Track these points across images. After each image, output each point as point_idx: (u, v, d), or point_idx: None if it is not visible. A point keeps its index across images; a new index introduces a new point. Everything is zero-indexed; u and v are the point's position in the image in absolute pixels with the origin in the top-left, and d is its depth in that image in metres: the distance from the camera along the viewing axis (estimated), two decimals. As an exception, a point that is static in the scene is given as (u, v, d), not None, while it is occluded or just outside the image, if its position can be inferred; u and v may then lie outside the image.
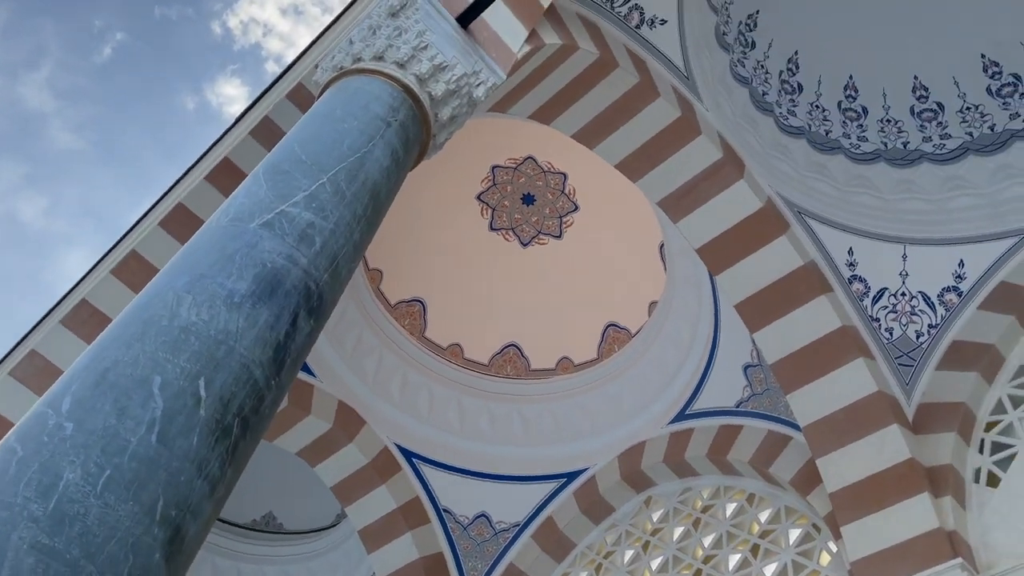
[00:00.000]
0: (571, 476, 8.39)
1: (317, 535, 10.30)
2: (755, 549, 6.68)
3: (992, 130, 6.81)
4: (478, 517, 8.47)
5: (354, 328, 8.68)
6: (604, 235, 9.29)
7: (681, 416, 7.95)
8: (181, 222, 5.82)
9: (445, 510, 8.43)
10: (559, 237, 9.59)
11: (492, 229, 9.51)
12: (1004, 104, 6.82)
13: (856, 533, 5.78)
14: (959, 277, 6.50)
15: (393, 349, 8.92)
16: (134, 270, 6.01)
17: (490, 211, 9.42)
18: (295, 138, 3.32)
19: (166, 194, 6.03)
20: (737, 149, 6.69)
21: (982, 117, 6.86)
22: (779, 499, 6.90)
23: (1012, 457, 5.82)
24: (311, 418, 8.18)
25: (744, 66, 6.98)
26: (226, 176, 5.71)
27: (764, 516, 6.90)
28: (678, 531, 7.41)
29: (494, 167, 9.15)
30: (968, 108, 6.92)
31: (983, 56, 6.88)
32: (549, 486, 8.42)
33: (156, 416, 2.22)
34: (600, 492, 8.10)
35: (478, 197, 9.32)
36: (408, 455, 8.58)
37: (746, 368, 7.28)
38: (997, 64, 6.84)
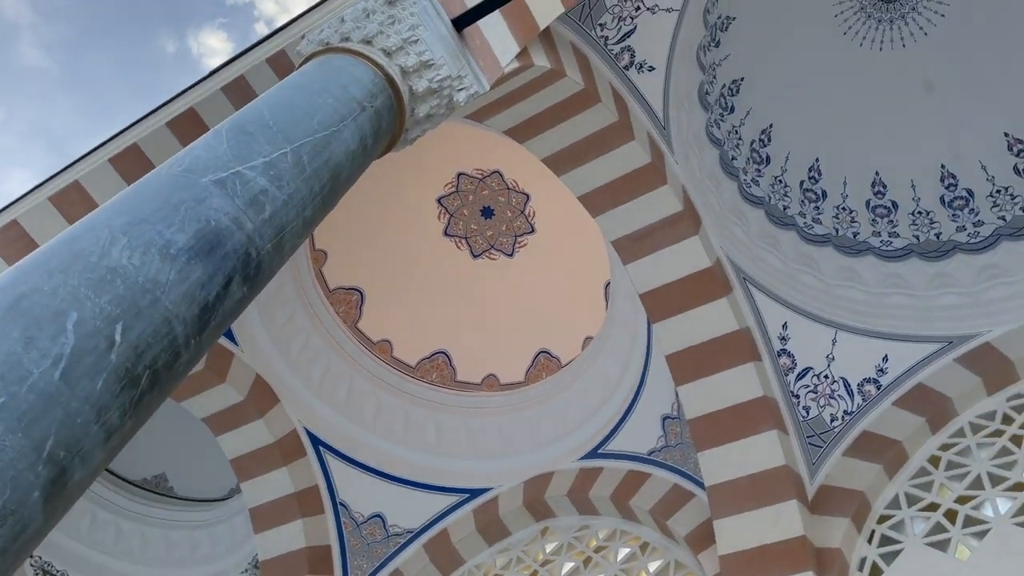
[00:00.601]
0: (474, 493, 8.36)
1: (206, 506, 10.04)
2: (639, 598, 6.75)
3: (937, 238, 7.09)
4: (373, 517, 8.36)
5: (287, 305, 8.54)
6: (554, 263, 9.35)
7: (593, 454, 8.00)
8: (132, 162, 5.66)
9: (342, 504, 8.31)
10: (510, 255, 9.61)
11: (446, 234, 9.48)
12: (953, 216, 7.10)
13: (737, 602, 5.89)
14: (881, 371, 6.72)
15: (322, 333, 8.80)
16: (73, 201, 5.81)
17: (448, 216, 9.40)
18: (266, 103, 3.26)
19: (123, 131, 5.84)
20: (697, 205, 6.82)
21: (931, 224, 7.13)
22: (671, 552, 6.99)
23: (898, 553, 6.00)
24: (224, 386, 7.99)
25: (719, 128, 7.14)
26: (188, 126, 5.57)
27: (653, 566, 6.98)
28: (568, 566, 7.43)
29: (460, 174, 9.15)
30: (920, 212, 7.19)
31: (943, 167, 7.17)
32: (450, 499, 8.37)
33: (65, 352, 2.14)
34: (500, 514, 8.08)
35: (439, 200, 9.30)
36: (316, 442, 8.44)
37: (664, 419, 7.38)
38: (954, 177, 7.13)
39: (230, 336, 8.15)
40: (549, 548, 7.75)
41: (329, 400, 8.63)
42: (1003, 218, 6.88)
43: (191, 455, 9.99)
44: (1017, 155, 6.90)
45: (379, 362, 8.93)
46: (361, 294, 9.12)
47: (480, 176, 9.20)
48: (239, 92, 5.42)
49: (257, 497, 8.22)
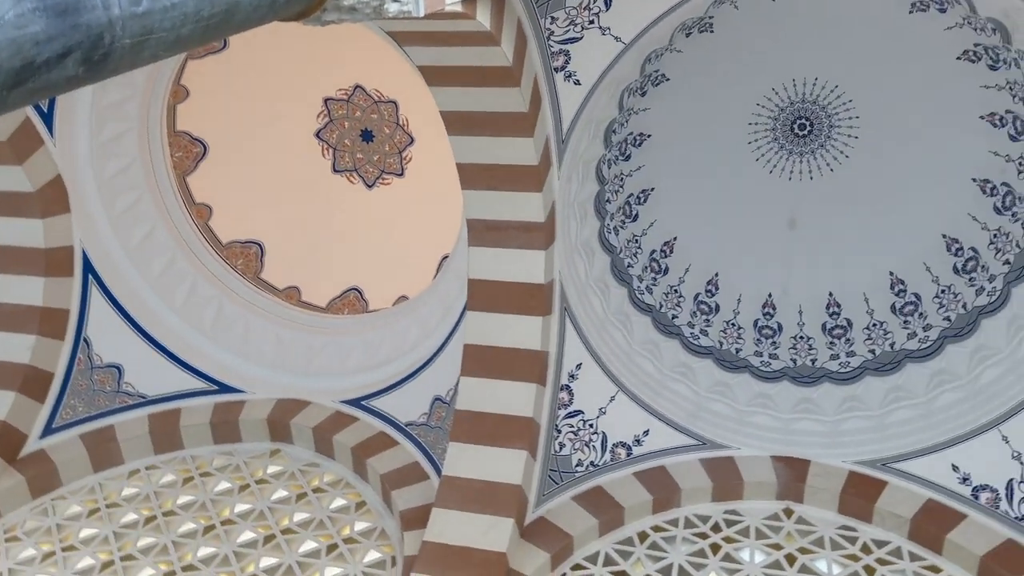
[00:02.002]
0: (225, 388, 8.08)
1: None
2: (333, 548, 6.76)
3: (736, 352, 7.63)
4: (112, 366, 7.87)
5: (125, 122, 7.89)
6: (406, 214, 9.26)
7: (356, 403, 7.96)
8: None
9: (85, 340, 7.77)
10: (370, 187, 9.43)
11: (317, 136, 9.15)
12: (757, 340, 7.68)
13: (421, 586, 6.04)
14: (637, 441, 7.15)
15: (148, 168, 8.19)
16: None
17: (327, 120, 9.08)
18: (197, -97, 2.98)
19: None
20: (558, 226, 6.95)
21: (737, 338, 7.67)
22: (383, 520, 7.07)
23: (575, 601, 6.38)
24: (18, 169, 7.26)
25: (609, 167, 7.34)
26: None
27: (360, 526, 7.03)
28: (280, 492, 7.34)
29: (358, 86, 8.86)
30: (733, 324, 7.73)
31: (769, 295, 7.73)
32: (197, 383, 8.03)
33: None
34: (239, 418, 7.86)
35: (326, 100, 8.96)
36: (88, 268, 7.84)
37: (435, 399, 7.46)
38: (774, 308, 7.72)
39: (48, 123, 7.43)
40: (271, 470, 7.62)
41: (122, 236, 8.05)
42: (794, 360, 7.52)
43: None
44: (830, 315, 7.57)
45: (191, 223, 8.44)
46: (204, 149, 8.58)
47: (377, 99, 8.95)
48: None
49: (2, 294, 7.52)
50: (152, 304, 8.14)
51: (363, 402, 7.91)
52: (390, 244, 9.21)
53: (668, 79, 7.20)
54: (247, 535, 6.87)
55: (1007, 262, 6.82)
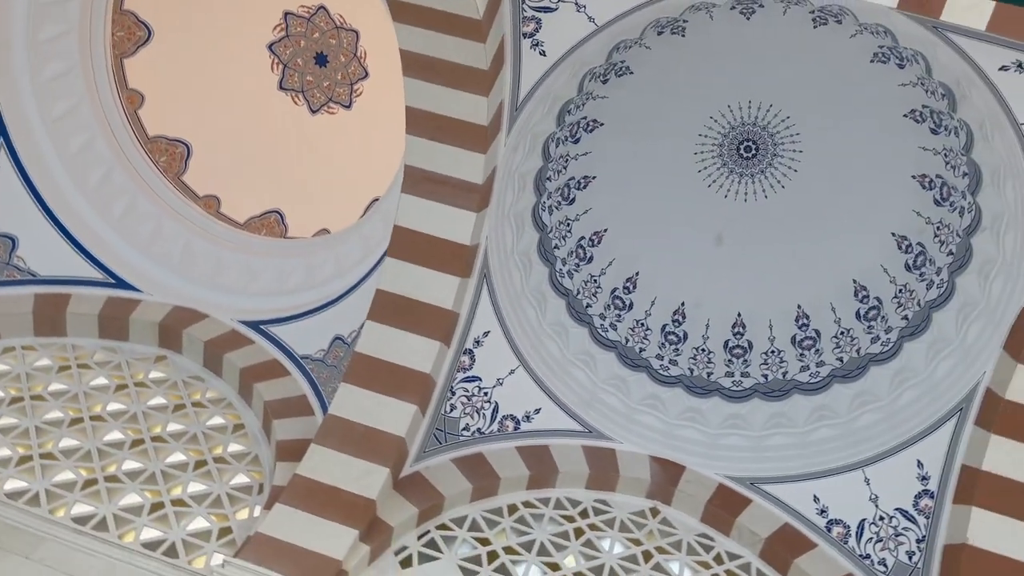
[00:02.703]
0: (121, 283, 7.75)
1: None
2: (201, 464, 6.61)
3: (639, 352, 7.77)
4: (7, 237, 7.42)
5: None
6: (346, 146, 9.09)
7: (255, 326, 7.77)
8: None
9: (-11, 211, 7.37)
10: (313, 112, 9.20)
11: (270, 48, 8.86)
12: (661, 344, 7.85)
13: (279, 518, 5.95)
14: (527, 417, 7.22)
15: (84, 40, 7.77)
16: None
17: (283, 34, 8.79)
18: None
19: None
20: (495, 191, 6.95)
21: (643, 339, 7.82)
22: (258, 446, 6.91)
23: (433, 559, 6.39)
24: (-58, 9, 6.78)
25: (558, 146, 7.35)
26: None
27: (233, 448, 6.87)
28: (158, 399, 7.10)
29: (322, 7, 8.60)
30: (641, 324, 7.87)
31: (682, 303, 7.90)
32: (94, 273, 7.68)
33: None
34: (130, 316, 7.57)
35: (286, 14, 8.66)
36: (1, 130, 7.41)
37: (336, 338, 7.36)
38: (683, 317, 7.90)
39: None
40: (153, 375, 7.37)
41: (44, 105, 7.64)
42: (691, 370, 7.72)
43: None
44: (734, 334, 7.80)
45: (119, 107, 8.03)
46: (149, 34, 8.17)
47: (339, 24, 8.70)
48: None
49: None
50: (61, 182, 7.75)
51: (262, 326, 7.73)
52: (322, 174, 9.00)
53: (632, 72, 7.24)
54: (115, 435, 6.65)
55: (905, 318, 7.15)
